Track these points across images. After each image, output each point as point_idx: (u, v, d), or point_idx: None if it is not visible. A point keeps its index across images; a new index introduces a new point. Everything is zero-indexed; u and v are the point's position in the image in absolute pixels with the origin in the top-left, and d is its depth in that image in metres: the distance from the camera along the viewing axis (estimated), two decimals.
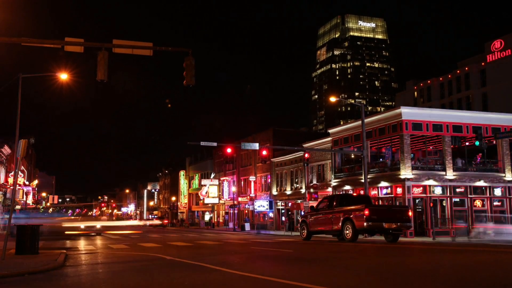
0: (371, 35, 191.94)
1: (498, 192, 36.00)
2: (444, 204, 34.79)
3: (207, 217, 79.18)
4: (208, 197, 73.17)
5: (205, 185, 74.22)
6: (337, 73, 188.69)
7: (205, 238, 29.34)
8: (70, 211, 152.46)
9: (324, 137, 47.12)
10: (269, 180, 57.82)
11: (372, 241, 24.03)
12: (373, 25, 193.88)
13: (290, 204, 52.01)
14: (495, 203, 35.77)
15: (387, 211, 23.34)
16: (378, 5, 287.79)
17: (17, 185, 19.27)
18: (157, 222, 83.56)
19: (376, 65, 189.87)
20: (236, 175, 66.92)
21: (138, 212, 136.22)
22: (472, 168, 36.05)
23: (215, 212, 75.71)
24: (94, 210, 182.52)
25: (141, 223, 76.76)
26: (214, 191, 72.63)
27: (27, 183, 68.12)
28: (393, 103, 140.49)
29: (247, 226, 54.10)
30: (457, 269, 10.89)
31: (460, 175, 35.15)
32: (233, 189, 65.34)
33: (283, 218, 54.04)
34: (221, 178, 71.02)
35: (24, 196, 65.19)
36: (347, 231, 22.05)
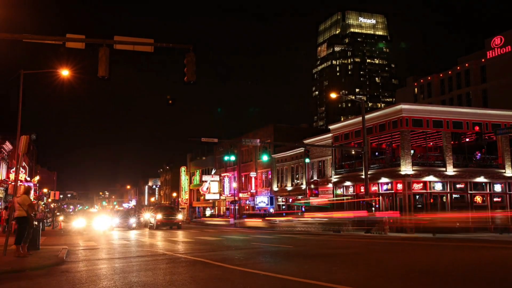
0: (372, 32, 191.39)
1: (498, 188, 36.07)
2: (444, 200, 34.86)
3: (208, 213, 79.27)
4: (209, 193, 73.28)
5: (206, 181, 74.32)
6: (337, 69, 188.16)
7: (207, 234, 29.49)
8: (71, 207, 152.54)
9: (325, 133, 47.15)
10: (269, 176, 57.91)
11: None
12: (373, 21, 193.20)
13: (290, 200, 52.16)
14: (495, 199, 35.83)
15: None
16: (378, 1, 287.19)
17: (19, 181, 19.34)
18: None
19: (377, 61, 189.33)
20: (237, 171, 67.01)
21: None
22: (472, 164, 36.07)
23: (216, 208, 75.81)
24: (96, 206, 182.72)
25: None
26: (215, 187, 72.75)
27: (28, 179, 68.17)
28: (394, 99, 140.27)
29: None
30: (457, 266, 10.93)
31: (460, 171, 35.20)
32: (234, 185, 65.44)
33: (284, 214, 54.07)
34: (222, 174, 71.13)
35: None
36: None
